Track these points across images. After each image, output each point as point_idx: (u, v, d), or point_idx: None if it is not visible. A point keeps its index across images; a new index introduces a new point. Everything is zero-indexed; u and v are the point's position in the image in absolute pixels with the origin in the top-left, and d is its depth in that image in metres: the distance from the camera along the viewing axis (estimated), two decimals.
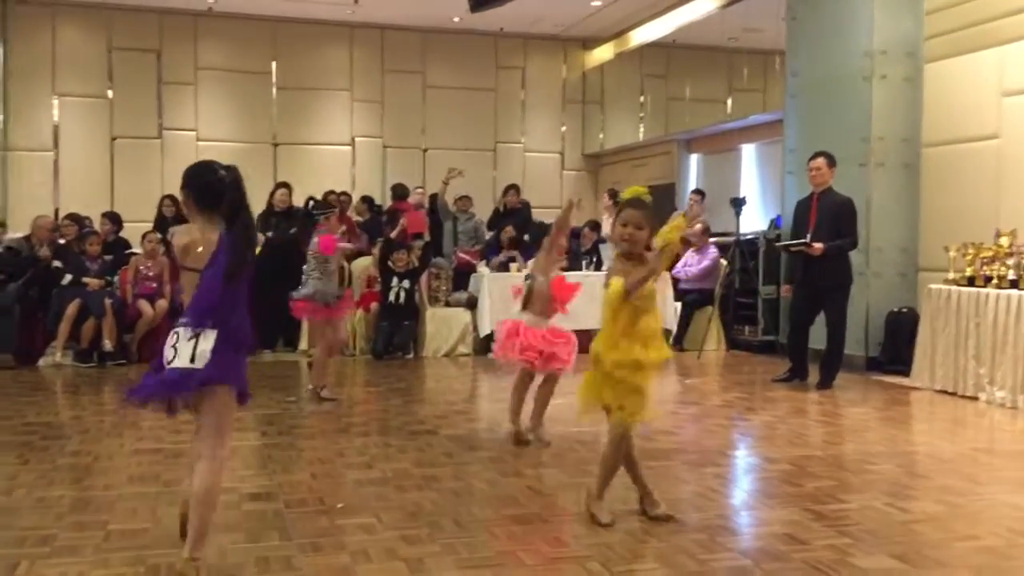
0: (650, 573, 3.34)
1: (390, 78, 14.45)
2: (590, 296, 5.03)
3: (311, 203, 7.89)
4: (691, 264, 10.68)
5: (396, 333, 9.70)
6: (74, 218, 10.20)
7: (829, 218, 7.59)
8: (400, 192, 11.95)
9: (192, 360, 3.15)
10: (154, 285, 9.34)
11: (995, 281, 7.13)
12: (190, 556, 3.10)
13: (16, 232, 10.15)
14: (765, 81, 12.20)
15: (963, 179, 8.16)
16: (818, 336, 7.86)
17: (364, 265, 10.18)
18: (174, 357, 3.16)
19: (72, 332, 8.87)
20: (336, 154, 14.10)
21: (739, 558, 3.52)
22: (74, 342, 8.92)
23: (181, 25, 13.55)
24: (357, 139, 14.29)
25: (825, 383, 7.63)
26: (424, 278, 10.07)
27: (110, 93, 13.40)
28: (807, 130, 9.36)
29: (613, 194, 11.75)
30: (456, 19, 13.60)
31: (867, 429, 6.11)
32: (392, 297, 9.67)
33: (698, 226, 10.93)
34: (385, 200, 12.44)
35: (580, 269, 9.98)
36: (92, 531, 3.74)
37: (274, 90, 14.03)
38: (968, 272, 7.39)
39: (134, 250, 10.09)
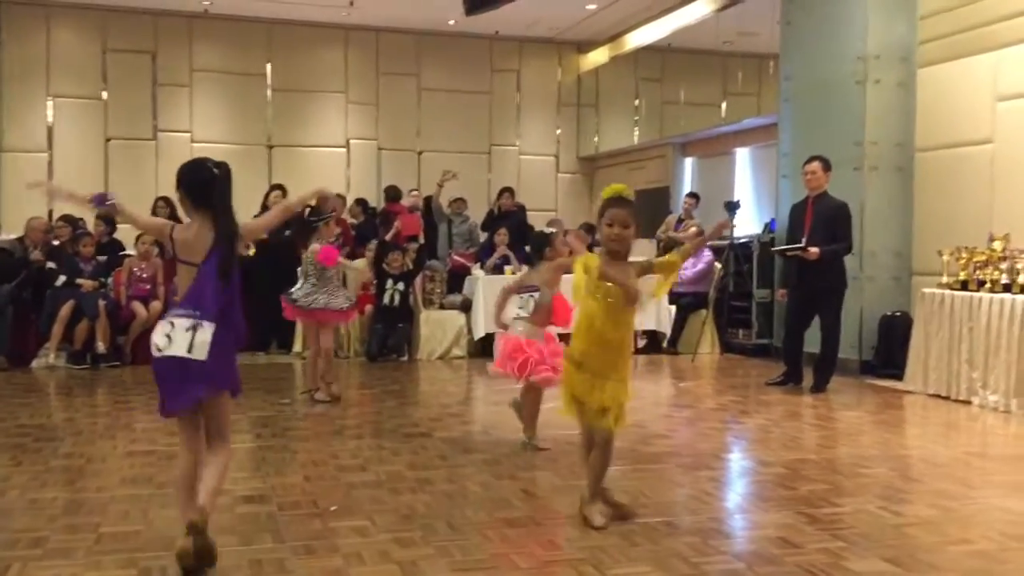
0: None
1: (385, 80, 14.45)
2: None
3: (307, 210, 7.91)
4: (685, 267, 10.70)
5: (390, 335, 9.70)
6: (68, 219, 10.18)
7: (824, 222, 7.61)
8: (392, 194, 11.95)
9: (189, 350, 3.23)
10: (148, 286, 9.33)
11: (988, 285, 7.15)
12: (205, 508, 3.28)
13: (9, 233, 10.13)
14: (760, 85, 12.22)
15: (957, 183, 8.18)
16: (812, 340, 7.87)
17: (359, 268, 10.15)
18: (167, 345, 3.23)
19: (65, 334, 8.86)
20: (331, 156, 14.08)
21: (732, 561, 3.52)
22: (67, 344, 8.91)
23: (176, 27, 13.52)
24: (352, 141, 14.28)
25: (819, 387, 7.64)
26: (418, 280, 10.07)
27: (104, 94, 13.37)
28: (801, 134, 9.38)
29: None
30: (451, 22, 13.60)
31: (861, 433, 6.12)
32: (386, 299, 9.67)
33: (692, 229, 10.96)
34: (380, 202, 12.43)
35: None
36: (85, 533, 3.73)
37: (269, 92, 14.01)
38: (961, 276, 7.41)
39: (128, 251, 10.08)
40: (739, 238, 10.40)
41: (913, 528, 3.94)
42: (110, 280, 9.36)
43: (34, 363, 8.89)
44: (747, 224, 11.28)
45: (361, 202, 12.23)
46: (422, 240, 11.23)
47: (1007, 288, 6.99)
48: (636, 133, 14.38)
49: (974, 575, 3.42)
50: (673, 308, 10.43)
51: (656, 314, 10.22)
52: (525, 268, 5.57)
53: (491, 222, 11.58)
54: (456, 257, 11.11)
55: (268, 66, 13.97)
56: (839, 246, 7.60)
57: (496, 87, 15.02)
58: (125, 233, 10.28)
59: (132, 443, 5.52)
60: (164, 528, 3.75)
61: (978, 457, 5.55)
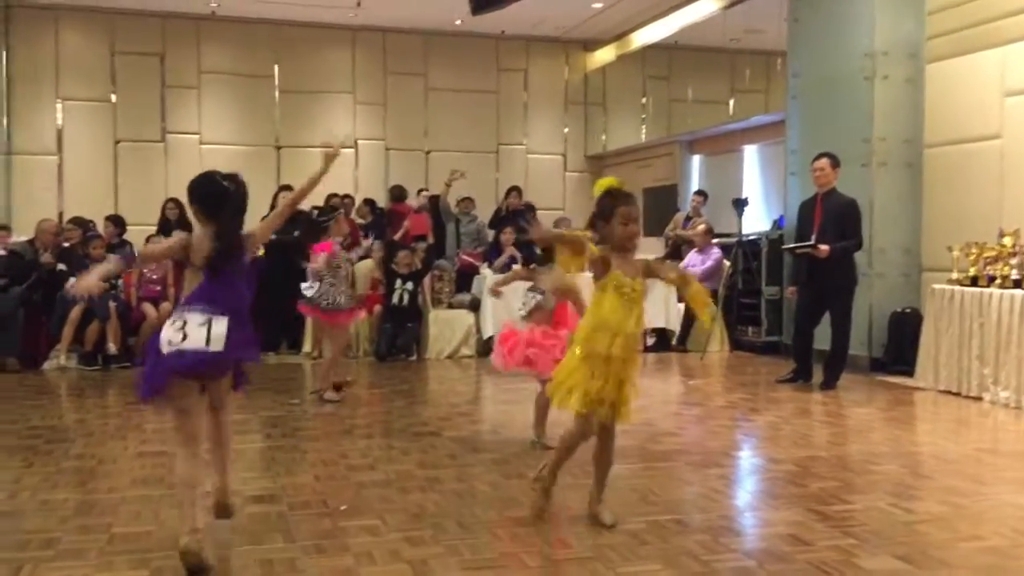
0: (654, 574, 3.34)
1: (392, 80, 14.46)
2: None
3: (315, 211, 7.92)
4: (694, 265, 10.68)
5: (399, 335, 9.71)
6: (78, 222, 10.21)
7: (834, 219, 7.60)
8: (397, 194, 11.95)
9: (207, 343, 3.29)
10: (158, 288, 9.36)
11: (998, 281, 7.12)
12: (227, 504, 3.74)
13: (20, 236, 10.17)
14: (767, 82, 12.19)
15: (966, 179, 8.15)
16: (822, 337, 7.85)
17: (368, 267, 10.16)
18: (183, 339, 3.28)
19: (76, 335, 8.89)
20: (339, 156, 14.06)
21: (743, 559, 3.51)
22: (78, 345, 8.94)
23: (184, 29, 13.56)
24: (360, 141, 14.30)
25: (829, 384, 7.62)
26: (427, 280, 10.08)
27: (113, 97, 13.42)
28: (809, 131, 9.36)
29: None
30: (458, 21, 13.60)
31: (871, 430, 6.11)
32: (395, 299, 9.68)
33: (701, 227, 10.95)
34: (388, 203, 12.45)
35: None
36: (96, 534, 3.75)
37: (277, 93, 14.04)
38: (971, 272, 7.38)
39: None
40: (748, 235, 10.38)
41: (924, 525, 3.93)
42: (120, 282, 9.39)
43: (45, 365, 8.92)
44: (756, 221, 11.26)
45: (369, 202, 12.26)
46: (431, 240, 11.25)
47: (1017, 284, 6.96)
48: (644, 131, 14.36)
49: (986, 571, 3.41)
50: (682, 306, 10.41)
51: (665, 312, 10.21)
52: (534, 267, 5.55)
53: (498, 221, 11.58)
54: (464, 256, 11.11)
55: (276, 67, 14.00)
56: (849, 243, 7.58)
57: (503, 86, 15.01)
58: (135, 235, 10.32)
59: (143, 444, 5.54)
60: (176, 528, 3.75)
61: (989, 453, 5.53)
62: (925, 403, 7.19)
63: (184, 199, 3.67)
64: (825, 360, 7.76)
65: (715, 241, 10.80)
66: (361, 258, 9.64)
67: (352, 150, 14.20)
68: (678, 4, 12.78)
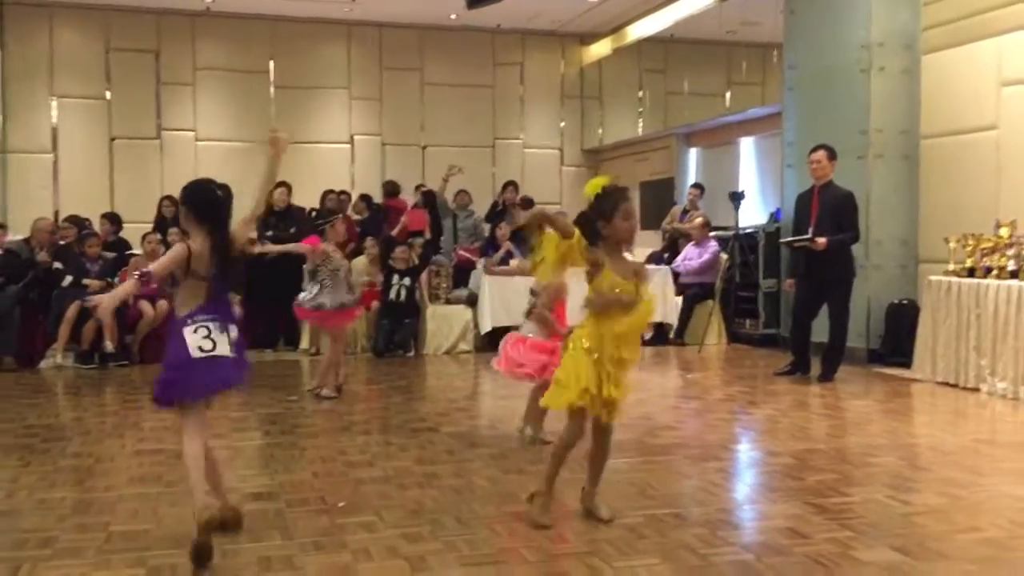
0: (651, 568, 3.34)
1: (388, 76, 14.43)
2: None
3: (314, 212, 7.92)
4: (691, 258, 10.69)
5: (397, 331, 9.71)
6: (74, 220, 10.20)
7: (830, 212, 7.59)
8: (390, 190, 11.91)
9: (231, 349, 3.55)
10: (155, 286, 9.33)
11: (995, 272, 7.12)
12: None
13: (16, 235, 10.15)
14: (763, 74, 12.18)
15: (962, 170, 8.15)
16: (819, 329, 7.86)
17: (363, 264, 10.15)
18: (213, 347, 3.49)
19: (73, 334, 8.87)
20: (335, 152, 14.07)
21: (741, 552, 3.51)
22: (75, 344, 8.92)
23: (179, 25, 13.52)
24: (356, 137, 14.27)
25: (827, 376, 7.63)
26: (424, 276, 10.07)
27: (108, 94, 13.38)
28: (806, 123, 9.35)
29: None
30: (453, 16, 13.59)
31: (869, 422, 6.11)
32: (393, 295, 9.67)
33: (698, 220, 10.94)
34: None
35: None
36: (94, 533, 3.75)
37: (272, 89, 14.00)
38: (968, 263, 7.39)
39: (134, 251, 10.09)
40: (745, 228, 10.37)
41: (922, 517, 3.93)
42: (117, 279, 9.37)
43: (42, 364, 8.91)
44: (753, 214, 11.26)
45: (366, 198, 12.22)
46: (427, 235, 11.24)
47: (1014, 275, 6.96)
48: (640, 124, 14.34)
49: (983, 563, 3.41)
50: (679, 299, 10.42)
51: (663, 305, 10.20)
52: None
53: (494, 215, 11.57)
54: (461, 252, 11.10)
55: (271, 63, 13.96)
56: (846, 236, 7.58)
57: (499, 81, 14.99)
58: (131, 232, 10.30)
59: (140, 442, 5.53)
60: (173, 526, 3.76)
61: (987, 445, 5.54)
62: (922, 395, 7.19)
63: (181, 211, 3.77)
64: (823, 352, 7.77)
65: (712, 234, 10.79)
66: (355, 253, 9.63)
67: (348, 145, 14.17)
68: None
